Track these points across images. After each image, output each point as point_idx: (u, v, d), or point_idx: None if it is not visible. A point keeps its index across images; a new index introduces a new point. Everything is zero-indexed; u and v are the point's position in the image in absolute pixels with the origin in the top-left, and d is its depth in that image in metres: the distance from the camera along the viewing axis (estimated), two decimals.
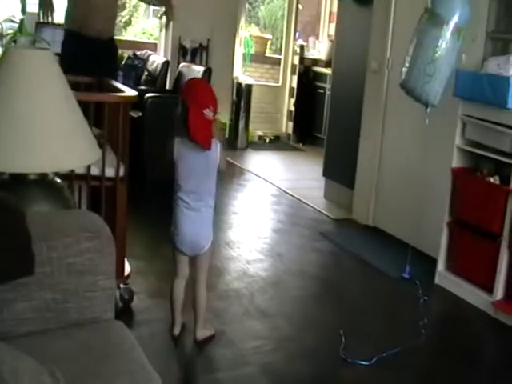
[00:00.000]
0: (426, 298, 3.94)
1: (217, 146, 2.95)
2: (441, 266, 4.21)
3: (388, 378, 3.05)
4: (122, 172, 3.31)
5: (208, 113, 2.85)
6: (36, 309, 1.92)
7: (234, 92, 8.48)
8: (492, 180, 3.81)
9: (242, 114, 8.46)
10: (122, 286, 3.42)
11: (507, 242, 3.68)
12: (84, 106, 2.63)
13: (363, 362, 3.12)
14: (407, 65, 3.72)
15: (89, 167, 3.17)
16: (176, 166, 2.97)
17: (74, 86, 3.92)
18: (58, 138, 2.16)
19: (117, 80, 4.45)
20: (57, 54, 4.29)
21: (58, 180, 2.56)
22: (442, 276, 4.18)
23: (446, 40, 3.56)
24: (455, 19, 3.55)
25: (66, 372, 1.54)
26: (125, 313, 3.36)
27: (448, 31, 3.54)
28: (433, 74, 3.59)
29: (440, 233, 4.17)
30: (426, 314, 3.70)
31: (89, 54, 4.56)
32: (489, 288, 3.82)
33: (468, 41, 3.88)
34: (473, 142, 3.96)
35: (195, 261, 3.11)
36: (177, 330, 3.18)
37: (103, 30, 4.78)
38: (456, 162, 4.06)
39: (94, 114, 3.14)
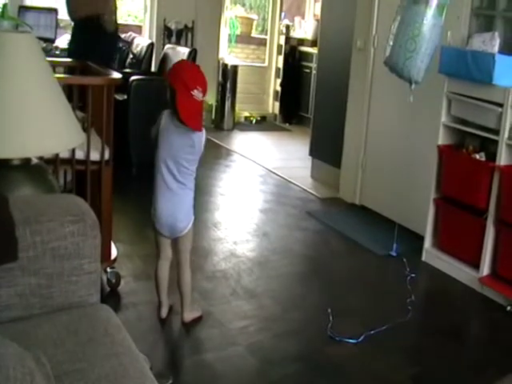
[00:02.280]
0: (413, 275, 3.96)
1: (203, 132, 2.91)
2: (428, 243, 4.23)
3: (376, 356, 3.06)
4: (107, 155, 3.29)
5: (197, 94, 2.79)
6: (20, 294, 1.90)
7: (220, 73, 8.43)
8: (478, 156, 3.82)
9: (228, 95, 8.43)
10: (108, 269, 3.42)
11: (493, 218, 3.70)
12: (68, 90, 2.61)
13: (351, 340, 3.13)
14: (391, 42, 3.71)
15: (73, 151, 3.15)
16: (160, 135, 2.90)
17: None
18: (40, 122, 2.13)
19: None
20: (40, 39, 4.23)
21: (42, 164, 2.54)
22: (429, 253, 4.20)
23: (427, 16, 3.54)
24: None
25: (51, 357, 1.54)
26: (111, 296, 3.36)
27: (429, 8, 3.53)
28: (414, 50, 3.58)
29: (426, 210, 4.19)
30: (413, 291, 3.73)
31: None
32: (475, 264, 3.84)
33: (453, 17, 3.87)
34: (458, 118, 3.97)
35: (176, 243, 3.10)
36: (164, 312, 3.18)
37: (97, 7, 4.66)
38: (442, 139, 4.07)
39: (77, 97, 3.11)
